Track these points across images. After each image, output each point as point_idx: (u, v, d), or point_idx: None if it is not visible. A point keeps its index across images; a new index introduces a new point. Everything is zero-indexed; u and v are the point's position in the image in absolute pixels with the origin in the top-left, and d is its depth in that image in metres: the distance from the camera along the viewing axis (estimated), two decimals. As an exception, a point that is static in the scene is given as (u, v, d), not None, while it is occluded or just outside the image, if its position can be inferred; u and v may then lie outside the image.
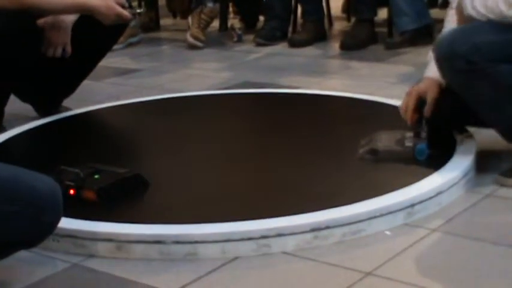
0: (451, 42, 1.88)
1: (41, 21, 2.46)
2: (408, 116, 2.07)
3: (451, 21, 2.06)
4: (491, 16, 1.87)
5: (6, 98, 2.58)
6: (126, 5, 2.44)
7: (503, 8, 1.84)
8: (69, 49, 2.52)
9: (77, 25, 2.51)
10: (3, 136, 2.43)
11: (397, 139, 2.09)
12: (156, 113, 2.71)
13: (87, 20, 2.43)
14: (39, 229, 1.54)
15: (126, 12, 2.41)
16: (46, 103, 2.72)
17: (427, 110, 2.03)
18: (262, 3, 4.15)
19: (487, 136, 2.09)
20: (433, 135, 2.06)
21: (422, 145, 2.03)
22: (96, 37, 2.57)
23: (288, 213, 1.76)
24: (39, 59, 2.53)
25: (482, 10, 1.88)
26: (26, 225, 1.50)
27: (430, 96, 2.02)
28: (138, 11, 2.64)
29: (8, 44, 2.35)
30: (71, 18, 2.50)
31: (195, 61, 3.67)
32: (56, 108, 2.72)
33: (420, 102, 2.05)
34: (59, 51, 2.52)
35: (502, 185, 1.99)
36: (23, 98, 2.73)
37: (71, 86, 2.74)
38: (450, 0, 2.09)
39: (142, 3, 4.47)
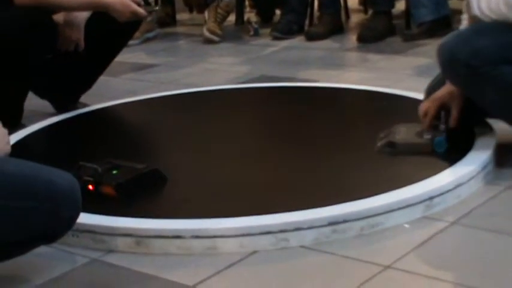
0: (452, 47, 1.90)
1: (55, 17, 2.47)
2: (428, 123, 2.05)
3: (466, 18, 2.06)
4: (494, 17, 1.88)
5: (25, 94, 2.60)
6: (142, 2, 2.46)
7: (504, 9, 1.85)
8: (82, 45, 2.54)
9: (92, 21, 2.53)
10: (22, 132, 2.45)
11: (416, 132, 2.08)
12: (173, 108, 2.72)
13: (102, 16, 2.44)
14: (58, 225, 1.55)
15: (141, 10, 2.43)
16: (64, 99, 2.74)
17: (453, 121, 2.02)
18: (278, -4, 4.14)
19: (506, 128, 2.07)
20: (451, 128, 2.04)
21: (441, 137, 2.02)
22: (111, 33, 2.58)
23: (306, 207, 1.76)
24: (55, 55, 2.55)
25: (486, 11, 1.90)
26: (46, 221, 1.51)
27: (456, 108, 2.01)
28: (154, 9, 2.67)
29: (25, 40, 2.36)
30: (84, 15, 2.52)
31: (212, 56, 3.67)
32: (74, 104, 2.74)
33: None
34: (72, 47, 2.54)
35: (522, 177, 1.98)
36: (41, 94, 2.75)
37: (87, 82, 2.76)
38: None
39: (159, -1, 4.49)
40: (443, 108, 2.05)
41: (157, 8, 3.80)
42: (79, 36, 2.53)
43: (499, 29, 1.88)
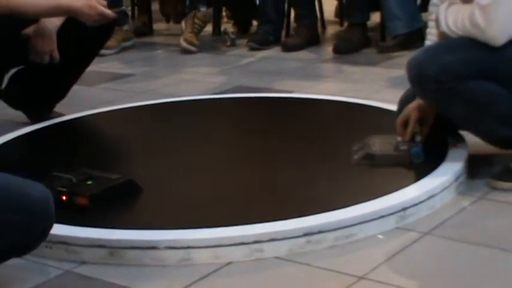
0: (420, 63, 1.93)
1: (25, 30, 2.45)
2: (410, 133, 2.06)
3: (433, 34, 2.10)
4: (461, 33, 1.94)
5: None
6: (104, 3, 2.40)
7: (469, 27, 1.90)
8: (56, 55, 2.50)
9: (63, 29, 2.50)
10: (-5, 142, 2.43)
11: (391, 143, 2.09)
12: (149, 118, 2.71)
13: (73, 24, 2.42)
14: (31, 236, 1.54)
15: (108, 11, 2.39)
16: (38, 109, 2.72)
17: (426, 130, 2.05)
18: (255, 7, 4.15)
19: (479, 140, 2.09)
20: (426, 138, 2.06)
21: (418, 148, 2.04)
22: (83, 41, 2.55)
23: (281, 217, 1.76)
24: (27, 66, 2.53)
25: (453, 28, 1.95)
26: (19, 232, 1.50)
27: (432, 118, 2.04)
28: (121, 8, 2.63)
29: None
30: (54, 24, 2.47)
31: (189, 66, 3.67)
32: (49, 113, 2.72)
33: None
34: (46, 59, 2.50)
35: (494, 187, 2.00)
36: (15, 105, 2.72)
37: (61, 91, 2.73)
38: (430, 11, 2.13)
39: (136, 8, 4.48)
40: (420, 118, 2.07)
41: (124, 7, 3.74)
42: (52, 46, 2.48)
43: (466, 45, 1.92)
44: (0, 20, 2.29)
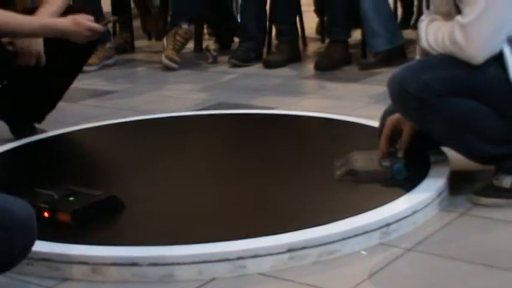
0: (401, 80, 1.95)
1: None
2: (382, 144, 2.08)
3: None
4: (441, 51, 1.96)
5: None
6: (92, 19, 2.40)
7: (449, 44, 1.92)
8: (43, 58, 2.47)
9: (48, 42, 2.49)
10: (-24, 159, 2.41)
11: (373, 159, 2.10)
12: (131, 134, 2.70)
13: (57, 39, 2.41)
14: (12, 253, 1.52)
15: (97, 25, 2.38)
16: (22, 123, 2.70)
17: (401, 146, 2.06)
18: (236, 24, 4.17)
19: (460, 156, 2.10)
20: (408, 155, 2.07)
21: (400, 164, 2.05)
22: (68, 55, 2.54)
23: (264, 233, 1.76)
24: (13, 80, 2.51)
25: (433, 45, 1.97)
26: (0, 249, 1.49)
27: (406, 133, 2.05)
28: (110, 19, 2.63)
29: None
30: None
31: (170, 82, 3.67)
32: (32, 129, 2.70)
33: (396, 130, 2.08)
34: (32, 61, 2.47)
35: (476, 203, 2.01)
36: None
37: (47, 105, 2.72)
38: (419, 27, 2.15)
39: (117, 25, 4.48)
40: (397, 130, 2.08)
41: (112, 18, 3.72)
42: (38, 48, 2.45)
43: (447, 62, 1.94)
44: None
